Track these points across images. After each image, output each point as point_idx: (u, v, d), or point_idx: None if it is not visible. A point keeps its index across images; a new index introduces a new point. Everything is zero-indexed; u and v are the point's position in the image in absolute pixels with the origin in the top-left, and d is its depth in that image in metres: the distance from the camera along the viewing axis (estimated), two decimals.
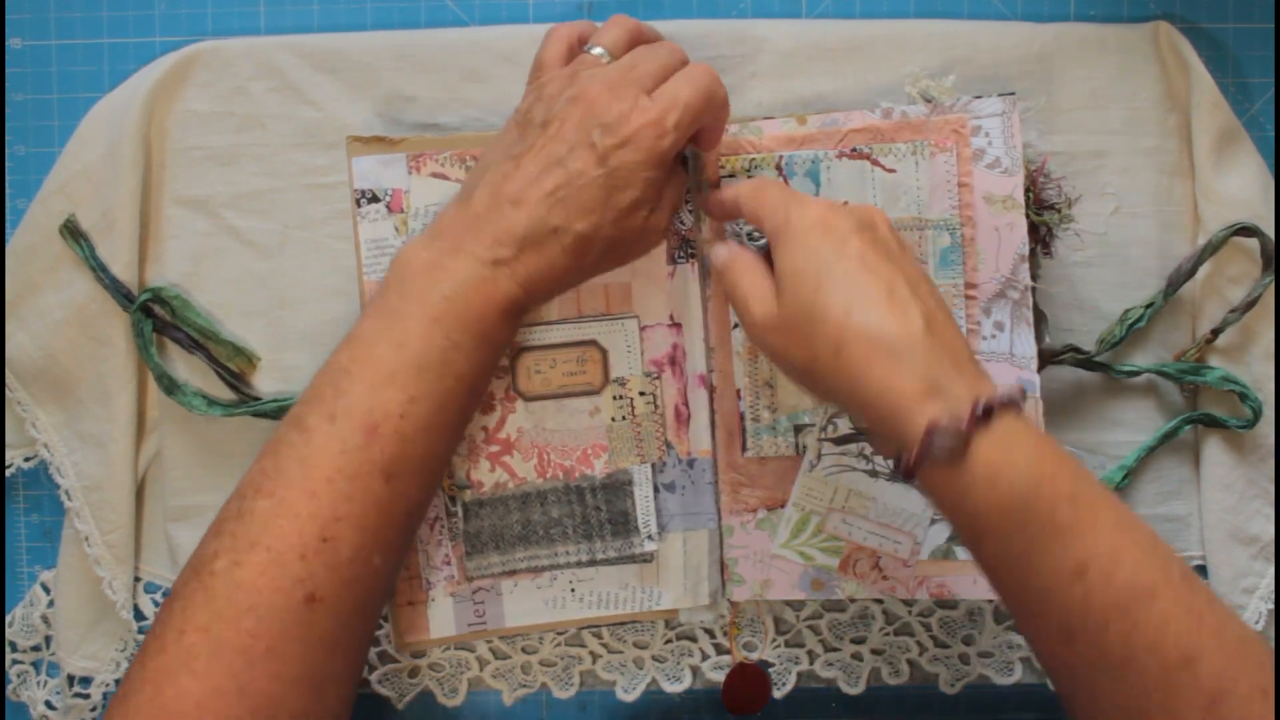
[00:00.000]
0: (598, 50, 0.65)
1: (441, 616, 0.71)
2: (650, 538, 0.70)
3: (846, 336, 0.57)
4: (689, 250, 0.70)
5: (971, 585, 0.70)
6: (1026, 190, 0.69)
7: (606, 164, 0.60)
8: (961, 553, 0.69)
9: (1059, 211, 0.71)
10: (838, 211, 0.60)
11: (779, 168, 0.69)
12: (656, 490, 0.71)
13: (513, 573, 0.71)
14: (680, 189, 0.67)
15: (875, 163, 0.69)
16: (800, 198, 0.62)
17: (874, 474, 0.70)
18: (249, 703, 0.55)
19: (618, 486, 0.70)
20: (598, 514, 0.70)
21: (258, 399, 0.72)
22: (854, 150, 0.69)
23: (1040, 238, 0.71)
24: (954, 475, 0.54)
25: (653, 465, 0.70)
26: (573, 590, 0.71)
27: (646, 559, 0.71)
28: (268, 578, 0.56)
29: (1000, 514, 0.54)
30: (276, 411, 0.71)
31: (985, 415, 0.54)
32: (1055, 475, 0.54)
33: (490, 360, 0.63)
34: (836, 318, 0.57)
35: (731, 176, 0.69)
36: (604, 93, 0.61)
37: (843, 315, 0.57)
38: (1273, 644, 0.72)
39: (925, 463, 0.55)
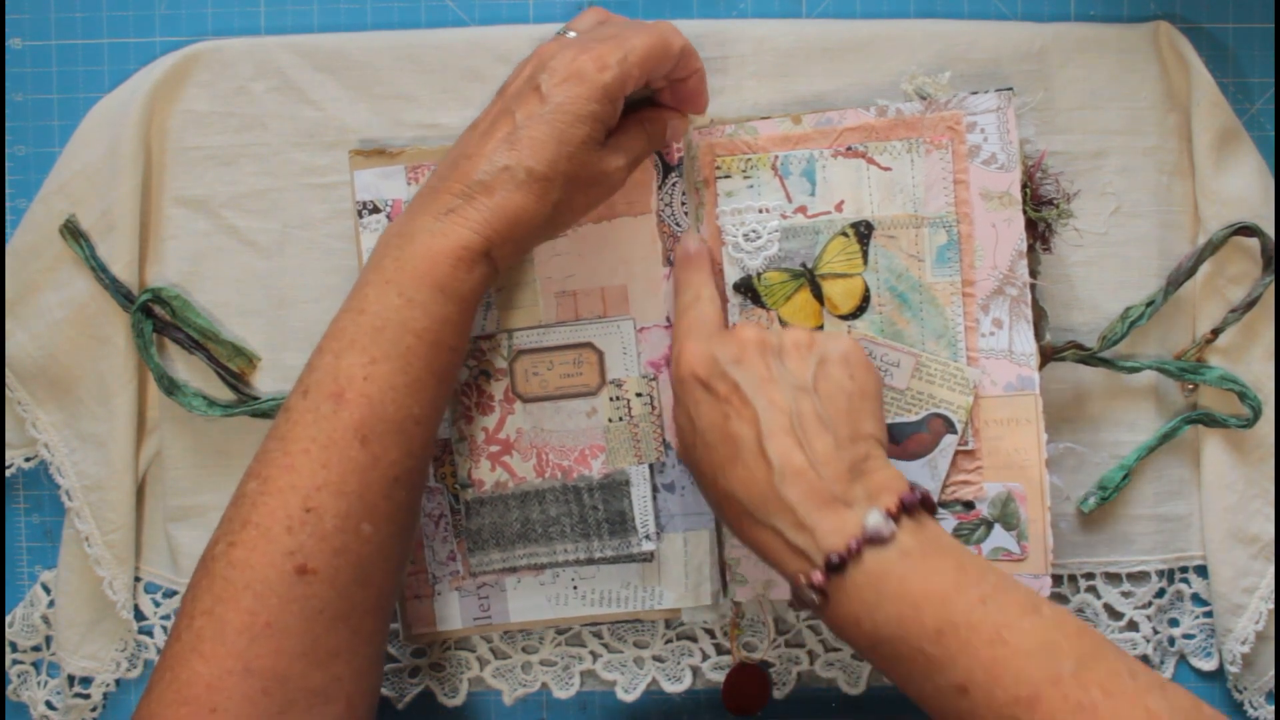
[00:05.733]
0: (571, 35, 0.66)
1: (448, 610, 0.72)
2: (648, 538, 0.70)
3: (719, 498, 0.62)
4: None
5: None
6: (1024, 186, 0.69)
7: (550, 101, 0.61)
8: None
9: (1057, 207, 0.71)
10: (707, 355, 0.63)
11: (774, 167, 0.69)
12: (656, 490, 0.71)
13: (514, 569, 0.71)
14: (642, 140, 0.67)
15: (871, 161, 0.69)
16: (686, 339, 0.64)
17: None
18: (257, 681, 0.56)
19: (615, 486, 0.70)
20: (595, 513, 0.70)
21: (257, 399, 0.72)
22: (849, 149, 0.69)
23: (1039, 234, 0.71)
24: (827, 617, 0.59)
25: (651, 466, 0.71)
26: (575, 588, 0.72)
27: (646, 558, 0.71)
28: (259, 553, 0.57)
29: (871, 652, 0.58)
30: (274, 411, 0.71)
31: (839, 566, 0.57)
32: (919, 614, 0.55)
33: (457, 314, 0.62)
34: (709, 482, 0.62)
35: (728, 177, 0.69)
36: (554, 47, 0.63)
37: (712, 478, 0.61)
38: (1272, 643, 0.72)
39: (802, 608, 0.59)
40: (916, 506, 0.58)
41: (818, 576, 0.57)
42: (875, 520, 0.57)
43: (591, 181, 0.64)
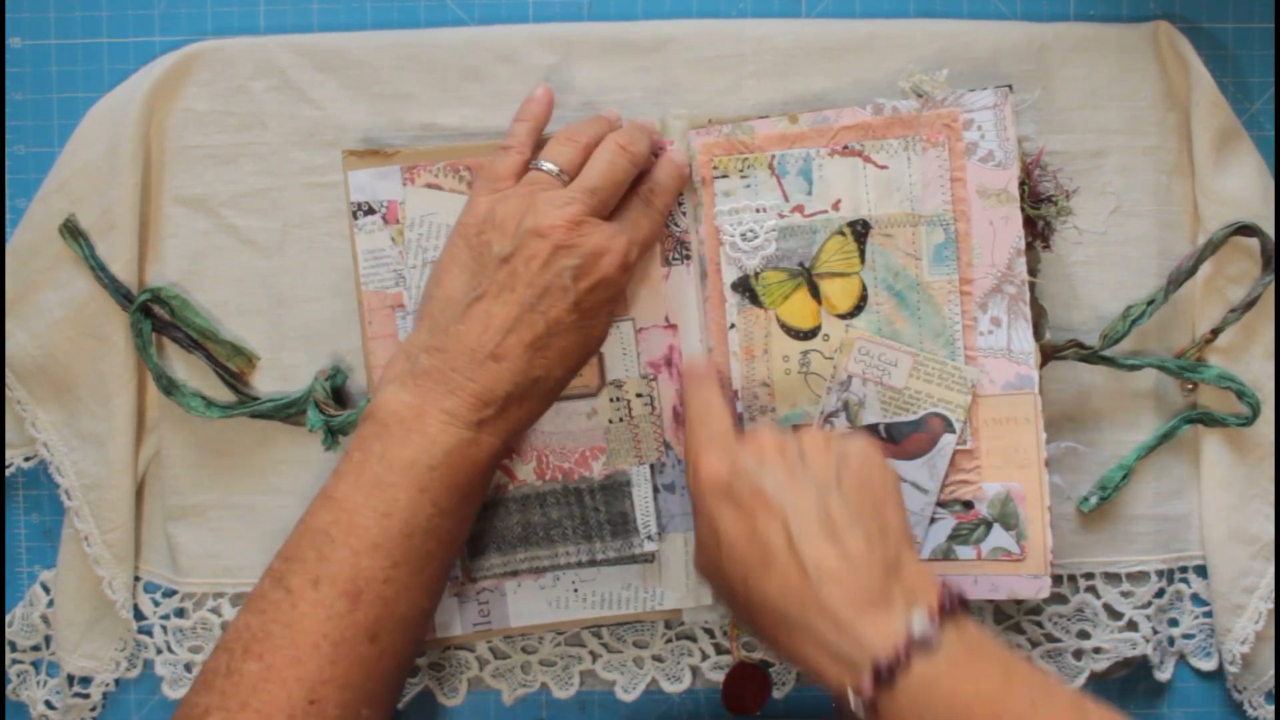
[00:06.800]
0: (549, 166, 0.65)
1: (447, 616, 0.71)
2: (650, 538, 0.70)
3: (751, 607, 0.59)
4: (684, 252, 0.70)
5: (972, 585, 0.69)
6: (1022, 183, 0.69)
7: (581, 308, 0.63)
8: (962, 552, 0.69)
9: (1056, 204, 0.71)
10: (728, 462, 0.61)
11: (771, 167, 0.69)
12: (657, 491, 0.71)
13: (515, 573, 0.71)
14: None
15: (867, 159, 0.69)
16: (702, 451, 0.63)
17: None
18: None
19: (616, 488, 0.70)
20: (596, 515, 0.70)
21: (256, 399, 0.72)
22: (846, 147, 0.69)
23: (1038, 231, 0.71)
24: None
25: (652, 466, 0.70)
26: (575, 590, 0.71)
27: (647, 559, 0.71)
28: None
29: None
30: (273, 412, 0.71)
31: (889, 675, 0.54)
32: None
33: (472, 512, 0.65)
34: (740, 591, 0.60)
35: (725, 177, 0.69)
36: (570, 230, 0.62)
37: (743, 588, 0.59)
38: (1272, 643, 0.72)
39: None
40: (956, 607, 0.57)
41: (867, 688, 0.54)
42: (921, 624, 0.55)
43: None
